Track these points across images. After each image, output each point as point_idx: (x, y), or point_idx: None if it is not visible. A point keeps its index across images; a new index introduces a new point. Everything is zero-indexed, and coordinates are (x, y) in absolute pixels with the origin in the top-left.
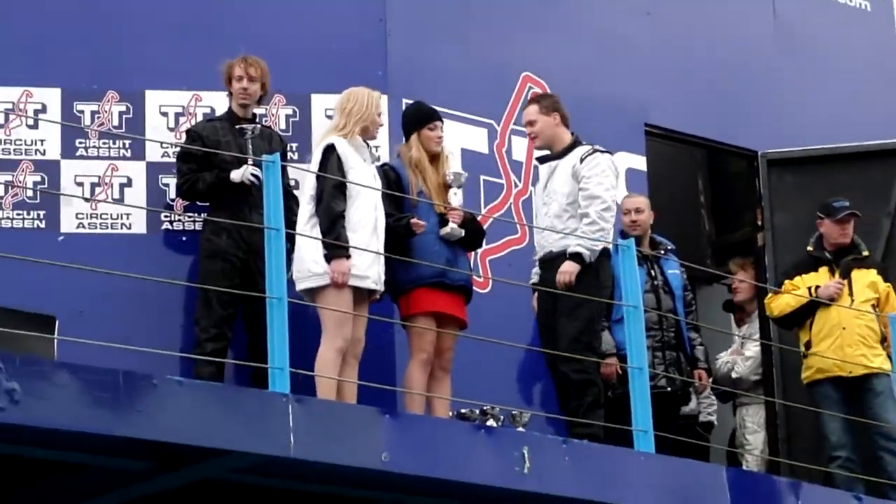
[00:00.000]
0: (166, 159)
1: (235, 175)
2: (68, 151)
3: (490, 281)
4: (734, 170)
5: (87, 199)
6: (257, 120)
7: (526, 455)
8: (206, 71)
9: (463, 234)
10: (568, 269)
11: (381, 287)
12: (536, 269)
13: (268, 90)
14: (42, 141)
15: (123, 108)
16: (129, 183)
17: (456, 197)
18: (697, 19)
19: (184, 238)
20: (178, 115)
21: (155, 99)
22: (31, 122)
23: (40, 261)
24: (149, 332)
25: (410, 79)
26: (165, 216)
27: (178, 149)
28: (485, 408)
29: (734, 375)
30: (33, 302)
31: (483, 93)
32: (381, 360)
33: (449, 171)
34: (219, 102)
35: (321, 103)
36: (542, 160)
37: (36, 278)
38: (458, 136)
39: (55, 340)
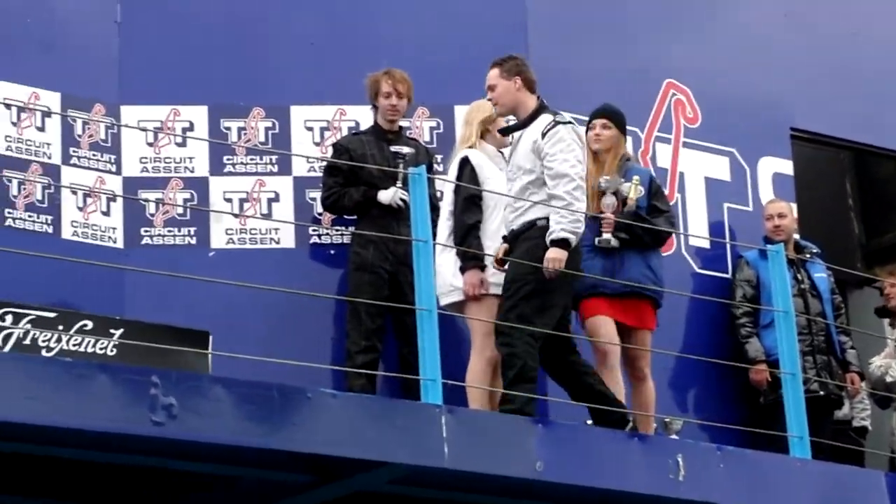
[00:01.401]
0: (312, 174)
1: (384, 196)
2: (216, 168)
3: None
4: (883, 172)
5: (236, 215)
6: (403, 132)
7: (680, 462)
8: (350, 85)
9: (617, 244)
10: (556, 257)
11: None
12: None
13: (412, 102)
14: (191, 158)
15: (269, 124)
16: (277, 198)
17: (610, 204)
18: (840, 20)
19: (332, 251)
20: (323, 129)
21: (300, 114)
22: (179, 140)
23: (192, 277)
24: (300, 345)
25: (552, 87)
26: (313, 230)
27: (324, 163)
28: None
29: (889, 379)
30: (186, 318)
31: (626, 101)
32: None
33: (603, 176)
34: (363, 116)
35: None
36: (504, 132)
37: (188, 294)
38: None
39: (209, 355)
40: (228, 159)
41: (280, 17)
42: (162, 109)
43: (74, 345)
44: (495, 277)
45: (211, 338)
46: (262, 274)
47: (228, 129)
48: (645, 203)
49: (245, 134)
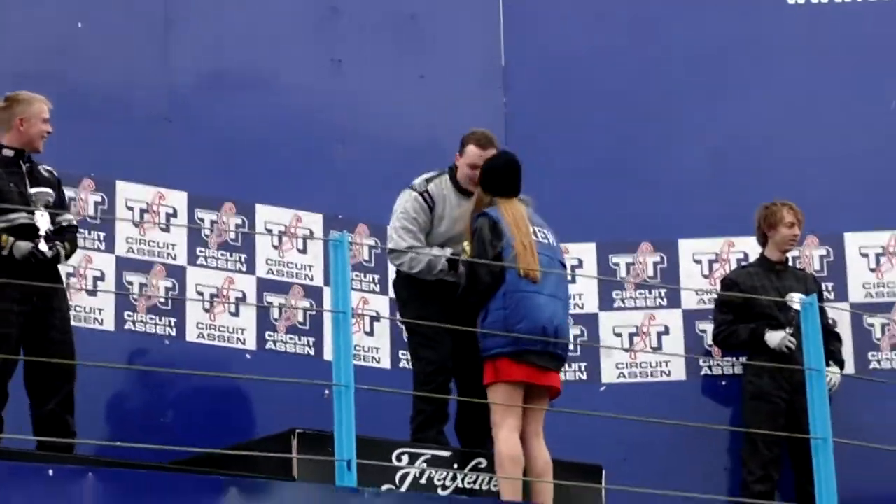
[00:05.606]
0: (702, 306)
1: (771, 341)
2: (606, 303)
3: None
4: None
5: (627, 350)
6: (789, 264)
7: None
8: (737, 217)
9: None
10: None
11: None
12: None
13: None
14: (580, 295)
15: (658, 259)
16: (666, 331)
17: None
18: None
19: (723, 382)
20: (711, 262)
21: (688, 247)
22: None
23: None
24: (692, 477)
25: None
26: (703, 361)
27: (713, 296)
28: None
29: None
30: (579, 452)
31: None
32: None
33: None
34: (751, 248)
35: (855, 242)
36: None
37: (580, 429)
38: None
39: (602, 489)
40: (617, 294)
41: (665, 156)
42: None
43: (469, 483)
44: None
45: (604, 472)
46: (653, 407)
47: (617, 265)
48: None
49: (633, 268)
